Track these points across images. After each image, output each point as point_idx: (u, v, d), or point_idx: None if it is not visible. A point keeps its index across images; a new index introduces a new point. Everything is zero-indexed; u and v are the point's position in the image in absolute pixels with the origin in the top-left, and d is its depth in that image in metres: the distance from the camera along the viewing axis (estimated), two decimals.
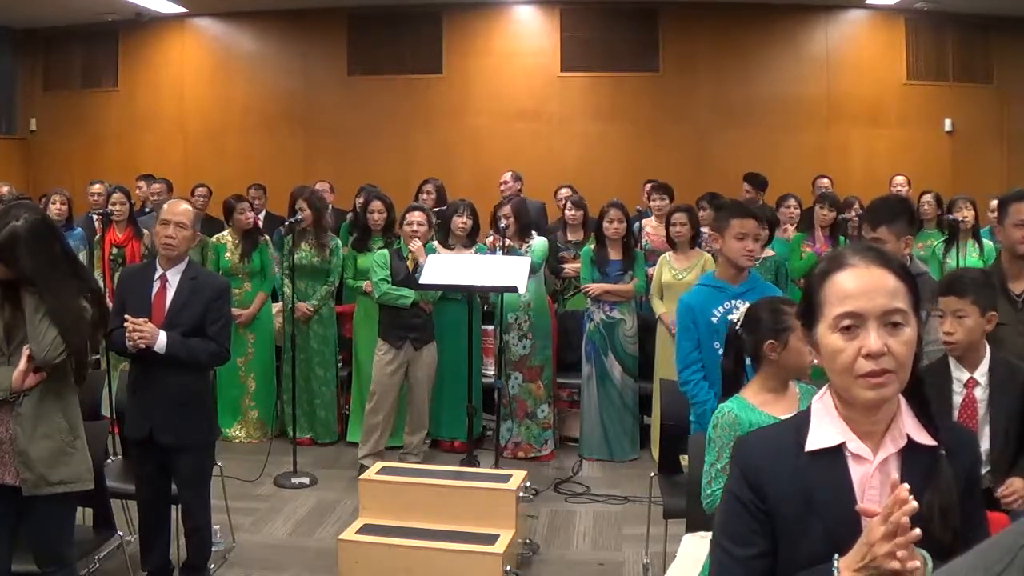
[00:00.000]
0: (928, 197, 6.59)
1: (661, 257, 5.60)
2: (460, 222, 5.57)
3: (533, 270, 5.25)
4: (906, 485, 1.30)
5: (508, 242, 5.42)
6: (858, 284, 1.41)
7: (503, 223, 5.39)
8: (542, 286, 5.74)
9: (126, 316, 3.39)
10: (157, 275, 3.56)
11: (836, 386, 1.46)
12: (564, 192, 7.13)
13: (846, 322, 1.40)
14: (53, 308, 2.70)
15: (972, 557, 0.78)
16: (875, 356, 1.36)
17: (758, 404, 2.49)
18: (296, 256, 5.57)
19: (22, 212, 2.72)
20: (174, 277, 3.55)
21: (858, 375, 1.38)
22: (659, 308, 5.50)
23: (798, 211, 6.57)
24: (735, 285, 3.40)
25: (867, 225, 3.37)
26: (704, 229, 6.38)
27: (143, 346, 3.37)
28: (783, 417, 2.31)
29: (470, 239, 5.62)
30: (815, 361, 1.49)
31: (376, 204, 5.77)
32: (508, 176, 7.37)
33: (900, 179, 7.57)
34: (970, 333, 2.73)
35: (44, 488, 2.77)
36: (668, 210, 5.92)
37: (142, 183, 7.80)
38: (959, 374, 2.77)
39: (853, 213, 6.06)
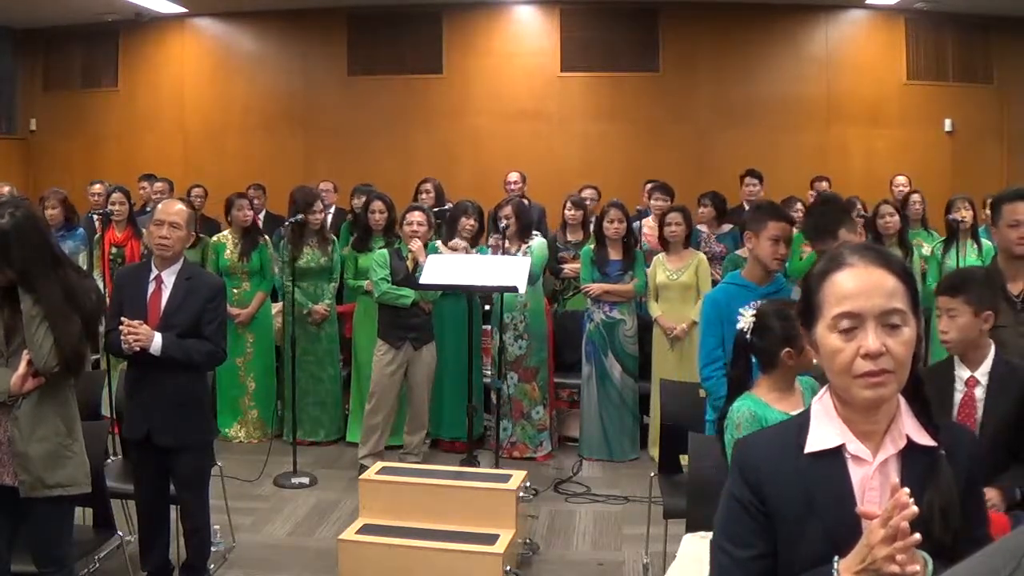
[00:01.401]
0: (916, 197, 6.58)
1: (655, 259, 5.60)
2: (468, 224, 5.57)
3: (532, 280, 5.23)
4: (906, 489, 1.30)
5: (509, 246, 5.41)
6: (857, 284, 1.40)
7: (503, 223, 5.39)
8: (539, 288, 5.72)
9: (121, 318, 3.38)
10: (152, 276, 3.55)
11: (835, 386, 1.46)
12: (588, 193, 7.11)
13: (845, 322, 1.39)
14: (49, 313, 2.68)
15: (976, 561, 0.77)
16: (873, 356, 1.36)
17: (771, 402, 2.50)
18: (302, 259, 5.63)
19: (7, 209, 2.70)
20: (169, 278, 3.54)
21: (856, 375, 1.38)
22: (655, 311, 5.50)
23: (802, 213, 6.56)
24: (762, 286, 3.40)
25: (825, 238, 3.47)
26: (702, 227, 6.38)
27: (138, 348, 3.36)
28: (795, 413, 2.32)
29: (473, 240, 5.63)
30: (815, 361, 1.49)
31: (377, 204, 5.77)
32: (516, 176, 7.36)
33: (901, 179, 7.55)
34: (963, 332, 2.73)
35: (41, 490, 2.76)
36: (663, 211, 5.92)
37: (144, 183, 7.79)
38: (961, 372, 2.78)
39: (855, 213, 6.05)
